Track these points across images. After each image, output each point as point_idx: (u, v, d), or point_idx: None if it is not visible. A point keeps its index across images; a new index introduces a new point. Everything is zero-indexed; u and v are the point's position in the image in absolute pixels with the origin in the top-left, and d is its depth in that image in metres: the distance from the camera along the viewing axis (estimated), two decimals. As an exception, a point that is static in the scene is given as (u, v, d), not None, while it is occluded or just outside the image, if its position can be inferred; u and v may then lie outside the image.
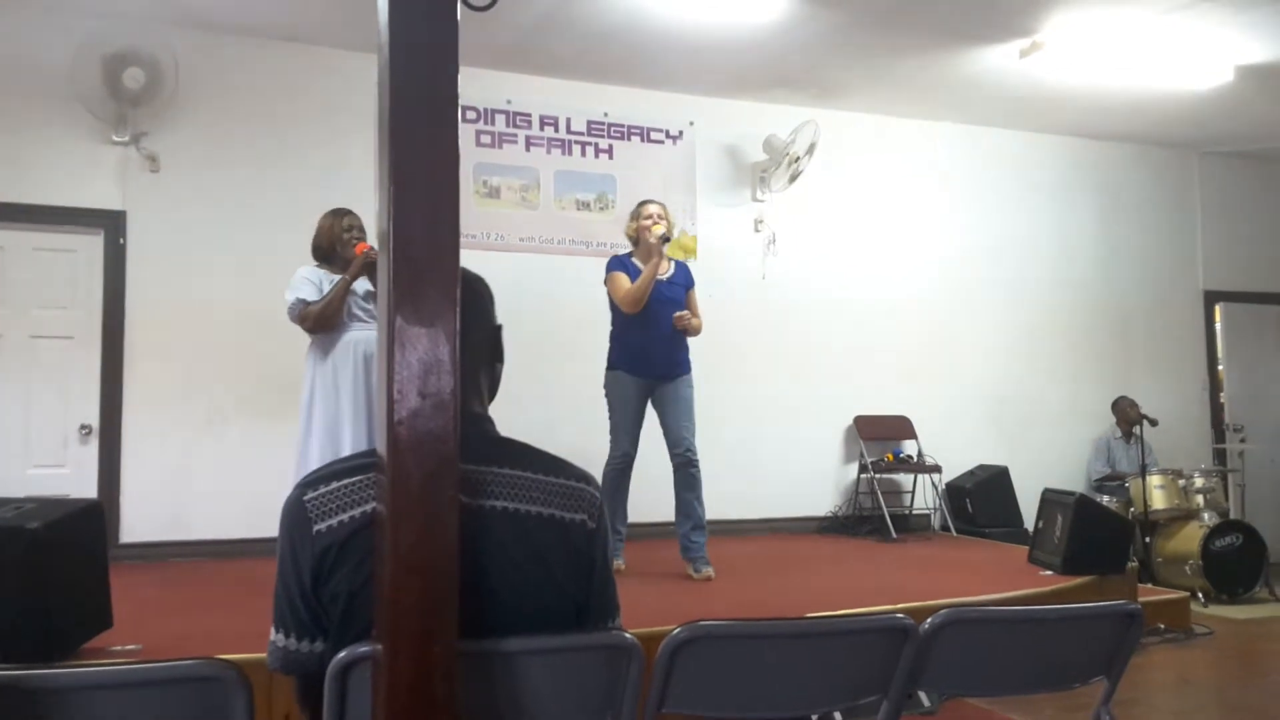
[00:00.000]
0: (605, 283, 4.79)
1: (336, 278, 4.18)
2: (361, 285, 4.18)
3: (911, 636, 1.73)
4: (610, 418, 4.76)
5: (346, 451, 3.96)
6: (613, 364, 4.77)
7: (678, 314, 4.66)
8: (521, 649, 1.42)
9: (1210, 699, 4.24)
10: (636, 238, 4.81)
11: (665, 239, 4.63)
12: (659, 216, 4.74)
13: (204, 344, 5.62)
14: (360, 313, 4.17)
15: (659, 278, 4.70)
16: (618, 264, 4.80)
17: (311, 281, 4.17)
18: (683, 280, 4.83)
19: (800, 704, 1.75)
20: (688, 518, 4.69)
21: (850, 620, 1.86)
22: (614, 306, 4.77)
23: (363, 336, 4.13)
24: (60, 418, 5.47)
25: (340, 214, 4.32)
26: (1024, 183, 7.71)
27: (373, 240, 4.88)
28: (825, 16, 5.56)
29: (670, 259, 4.86)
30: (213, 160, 5.76)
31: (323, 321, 4.11)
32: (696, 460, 4.68)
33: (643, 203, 4.89)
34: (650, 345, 4.69)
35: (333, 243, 4.25)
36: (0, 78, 5.38)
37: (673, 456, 4.70)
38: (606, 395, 4.79)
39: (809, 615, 3.13)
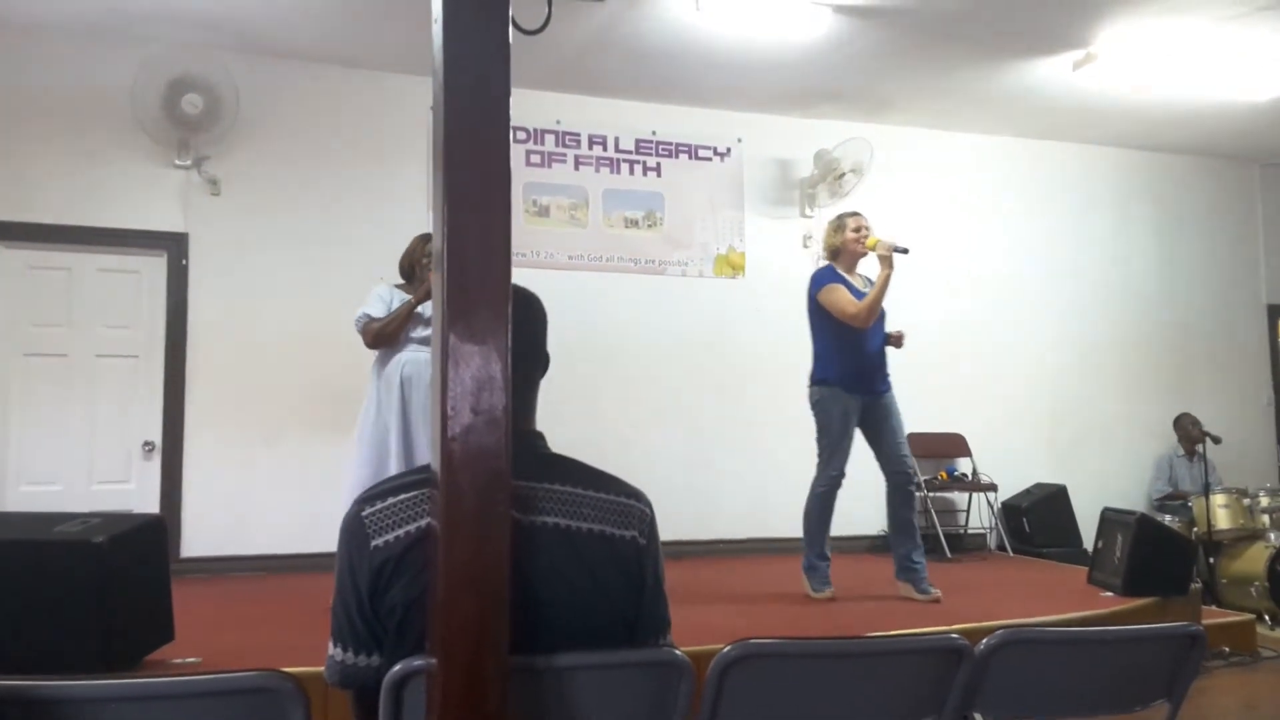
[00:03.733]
0: (816, 296, 4.57)
1: (408, 299, 4.28)
2: (429, 310, 4.25)
3: (966, 657, 1.71)
4: (823, 436, 4.57)
5: (389, 468, 4.04)
6: (827, 380, 4.56)
7: (898, 331, 4.62)
8: (572, 664, 1.43)
9: (1279, 725, 4.11)
10: (839, 249, 4.64)
11: (904, 250, 4.43)
12: (866, 228, 4.62)
13: (263, 362, 5.73)
14: (417, 336, 4.25)
15: (863, 291, 4.55)
16: (832, 276, 4.58)
17: (383, 299, 4.28)
18: None
19: (852, 724, 1.74)
20: (910, 538, 4.54)
21: (903, 640, 1.84)
22: (825, 321, 4.56)
23: (409, 358, 4.21)
24: (124, 434, 5.61)
25: (426, 239, 4.39)
26: (1079, 196, 7.58)
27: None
28: (874, 32, 5.54)
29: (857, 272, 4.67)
30: (271, 183, 5.89)
31: (380, 339, 4.21)
32: (917, 478, 4.57)
33: (850, 214, 4.71)
34: (867, 360, 4.54)
35: (412, 265, 4.36)
36: (68, 104, 5.56)
37: (890, 475, 4.57)
38: (818, 412, 4.58)
39: (861, 635, 3.10)
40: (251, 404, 5.71)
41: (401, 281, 4.40)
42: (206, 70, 5.53)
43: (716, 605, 4.46)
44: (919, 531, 4.61)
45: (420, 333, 4.25)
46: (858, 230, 4.63)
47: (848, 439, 4.57)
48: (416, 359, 4.21)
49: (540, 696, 1.41)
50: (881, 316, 4.59)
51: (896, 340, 4.63)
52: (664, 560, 1.58)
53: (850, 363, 4.54)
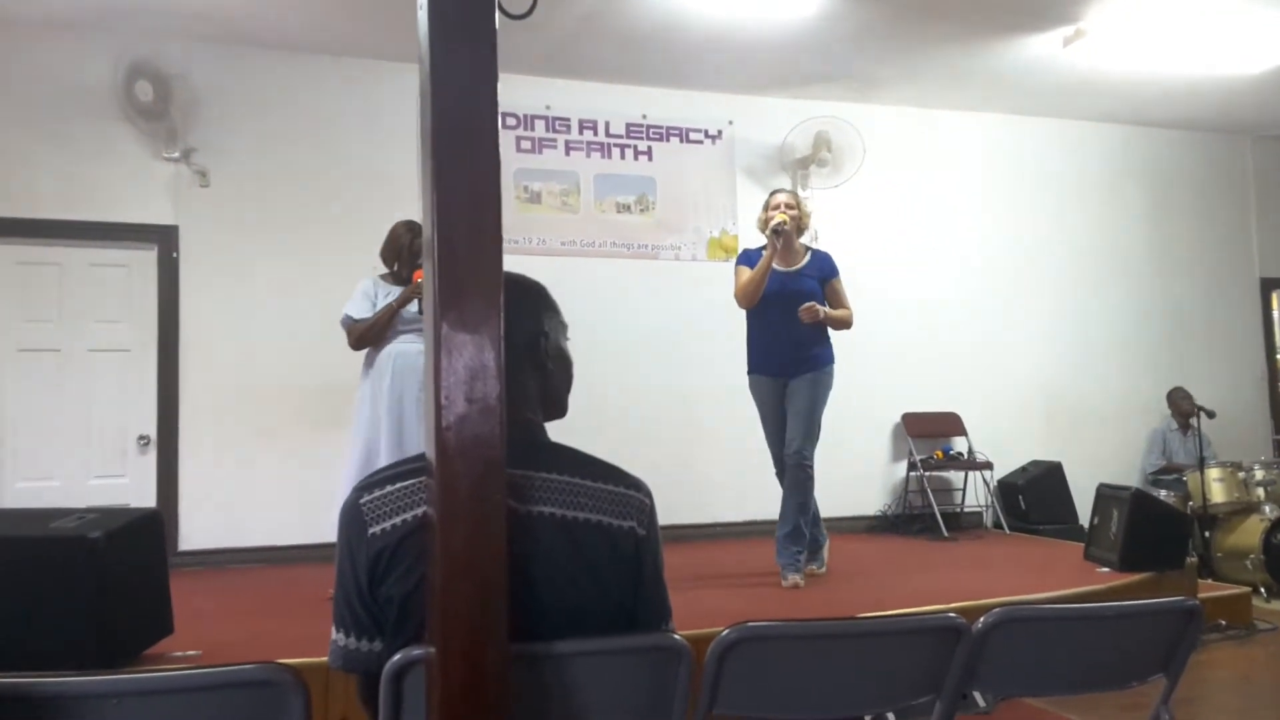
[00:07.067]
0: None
1: (393, 290, 4.22)
2: (414, 308, 4.21)
3: (964, 636, 1.71)
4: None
5: (381, 461, 3.99)
6: (749, 366, 4.63)
7: (804, 306, 4.35)
8: (572, 651, 1.43)
9: (1273, 697, 4.13)
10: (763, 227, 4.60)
11: (776, 231, 4.39)
12: (786, 205, 4.50)
13: (256, 354, 5.72)
14: (404, 325, 4.18)
15: (788, 269, 4.48)
16: (743, 258, 4.61)
17: (367, 295, 4.23)
18: (816, 271, 4.53)
19: (852, 705, 1.74)
20: (784, 521, 4.46)
21: (902, 620, 1.84)
22: None
23: (401, 349, 4.16)
24: (119, 429, 5.60)
25: (416, 231, 4.29)
26: (1071, 173, 7.58)
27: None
28: (863, 10, 5.51)
29: (808, 249, 4.60)
30: (261, 174, 5.86)
31: (363, 340, 4.19)
32: (806, 462, 4.39)
33: (772, 192, 4.67)
34: (772, 341, 4.49)
35: (398, 255, 4.28)
36: (55, 97, 5.52)
37: (785, 457, 4.48)
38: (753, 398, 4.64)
39: (860, 615, 3.11)
40: (246, 396, 5.70)
41: (386, 271, 4.32)
42: (155, 57, 5.48)
43: (714, 588, 4.48)
44: (800, 518, 4.43)
45: (409, 322, 4.17)
46: (774, 208, 4.53)
47: (771, 423, 4.55)
48: (406, 350, 4.16)
49: (540, 684, 1.41)
50: (804, 296, 4.42)
51: (802, 315, 4.36)
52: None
53: (757, 344, 4.57)
